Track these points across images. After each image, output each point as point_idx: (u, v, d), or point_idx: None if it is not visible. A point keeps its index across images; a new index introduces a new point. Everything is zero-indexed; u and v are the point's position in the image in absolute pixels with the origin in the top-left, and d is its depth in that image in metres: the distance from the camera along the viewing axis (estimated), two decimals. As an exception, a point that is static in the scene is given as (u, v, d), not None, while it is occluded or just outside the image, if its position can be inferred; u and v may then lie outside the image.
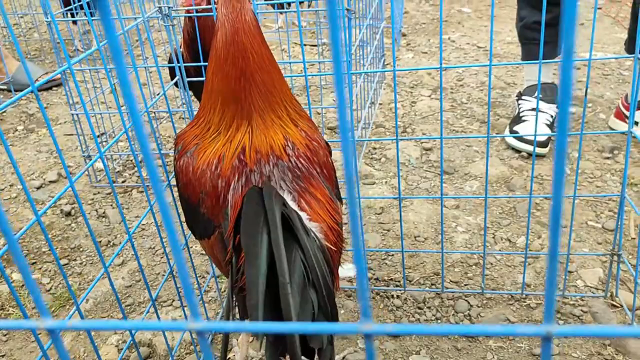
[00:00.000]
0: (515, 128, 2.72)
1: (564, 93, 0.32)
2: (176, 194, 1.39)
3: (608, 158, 2.57)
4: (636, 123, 2.59)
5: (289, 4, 4.15)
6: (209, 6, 1.95)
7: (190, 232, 1.36)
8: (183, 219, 1.37)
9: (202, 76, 1.90)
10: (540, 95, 2.75)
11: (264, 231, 0.98)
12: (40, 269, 2.09)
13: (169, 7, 1.47)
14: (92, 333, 1.52)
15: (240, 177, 1.19)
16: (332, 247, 1.15)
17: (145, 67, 2.48)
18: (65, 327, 0.45)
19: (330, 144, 1.38)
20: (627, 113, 2.72)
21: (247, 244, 0.98)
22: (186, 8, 2.08)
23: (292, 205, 1.13)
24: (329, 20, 0.33)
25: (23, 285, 2.00)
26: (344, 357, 1.60)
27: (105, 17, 0.34)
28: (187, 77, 1.89)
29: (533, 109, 2.75)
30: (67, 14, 3.42)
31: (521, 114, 2.78)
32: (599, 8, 4.82)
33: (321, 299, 0.99)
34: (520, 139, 2.62)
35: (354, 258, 0.38)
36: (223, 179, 1.20)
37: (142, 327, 0.44)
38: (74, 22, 3.90)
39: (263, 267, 0.94)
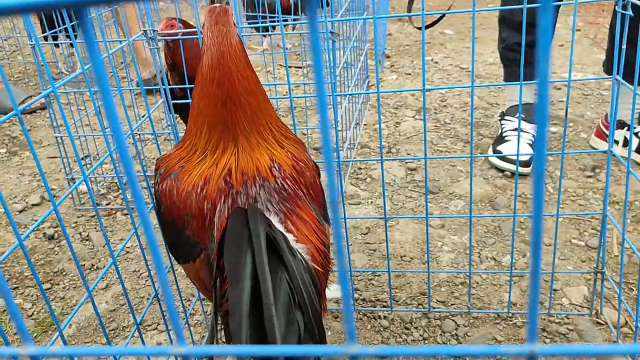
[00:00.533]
0: (499, 148, 2.76)
1: (540, 115, 0.33)
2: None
3: (590, 177, 2.61)
4: (616, 142, 2.63)
5: (273, 27, 4.19)
6: (191, 29, 1.96)
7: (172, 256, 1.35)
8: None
9: (187, 99, 1.91)
10: (523, 115, 2.79)
11: (248, 252, 0.97)
12: (22, 293, 2.05)
13: (153, 30, 1.48)
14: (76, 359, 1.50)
15: (226, 199, 1.19)
16: (319, 268, 1.15)
17: (130, 90, 2.48)
18: (47, 353, 0.44)
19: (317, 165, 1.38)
20: (608, 132, 2.76)
21: (231, 266, 0.97)
22: (165, 32, 2.10)
23: (279, 226, 1.13)
24: (311, 43, 0.33)
25: (5, 310, 1.96)
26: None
27: (89, 40, 0.34)
28: (172, 99, 1.89)
29: (515, 129, 2.78)
30: (50, 37, 3.42)
31: (504, 134, 2.81)
32: (578, 30, 4.93)
33: (307, 321, 0.99)
34: (504, 158, 2.65)
35: (339, 279, 0.38)
36: (209, 201, 1.20)
37: (125, 353, 0.43)
38: (57, 46, 3.90)
39: (247, 288, 0.94)
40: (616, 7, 1.43)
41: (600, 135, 2.86)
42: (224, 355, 0.39)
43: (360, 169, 2.80)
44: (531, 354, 0.36)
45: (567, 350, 0.36)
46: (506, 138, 2.78)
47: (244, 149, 1.21)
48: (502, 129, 2.86)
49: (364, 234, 2.28)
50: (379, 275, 2.03)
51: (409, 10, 1.86)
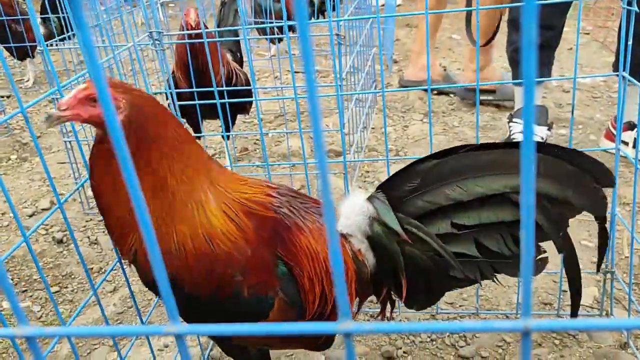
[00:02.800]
0: None
1: (526, 118, 0.33)
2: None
3: (599, 178, 2.58)
4: (626, 143, 2.61)
5: (280, 32, 4.21)
6: (204, 30, 1.97)
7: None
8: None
9: (202, 99, 1.92)
10: None
11: None
12: (31, 296, 2.06)
13: (159, 32, 1.49)
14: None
15: (269, 225, 1.17)
16: None
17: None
18: (44, 334, 0.44)
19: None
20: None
21: None
22: (181, 35, 2.10)
23: None
24: (302, 49, 0.33)
25: (12, 314, 1.97)
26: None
27: (88, 45, 0.34)
28: (185, 100, 1.90)
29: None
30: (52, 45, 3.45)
31: (512, 136, 2.80)
32: (587, 33, 4.91)
33: None
34: None
35: (332, 262, 0.38)
36: (260, 241, 1.15)
37: (122, 333, 0.43)
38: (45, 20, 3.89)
39: None
40: (622, 4, 1.42)
41: (610, 137, 2.83)
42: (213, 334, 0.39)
43: (367, 172, 2.79)
44: (525, 329, 0.35)
45: (560, 325, 0.36)
46: (515, 140, 2.77)
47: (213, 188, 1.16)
48: (510, 131, 2.85)
49: (372, 237, 2.27)
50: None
51: (468, 28, 1.85)
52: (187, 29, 2.13)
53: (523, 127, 0.35)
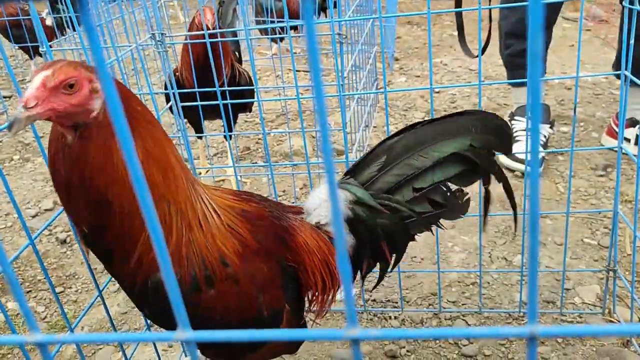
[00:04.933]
0: None
1: (534, 113, 0.33)
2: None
3: (602, 176, 2.58)
4: (627, 140, 2.61)
5: (282, 31, 4.21)
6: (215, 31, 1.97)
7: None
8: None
9: (207, 99, 1.92)
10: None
11: None
12: (35, 297, 2.07)
13: (161, 34, 1.49)
14: (87, 360, 1.51)
15: (272, 234, 1.20)
16: None
17: (139, 95, 2.50)
18: (56, 340, 0.45)
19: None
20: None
21: None
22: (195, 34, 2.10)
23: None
24: (308, 46, 0.34)
25: (18, 314, 1.98)
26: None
27: (95, 46, 0.35)
28: (193, 101, 1.90)
29: (525, 130, 2.77)
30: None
31: (514, 134, 2.80)
32: (588, 30, 4.90)
33: None
34: (514, 158, 2.64)
35: (339, 265, 0.38)
36: (276, 253, 1.19)
37: (131, 339, 0.44)
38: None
39: None
40: (623, 2, 1.42)
41: (612, 133, 2.83)
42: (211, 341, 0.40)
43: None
44: (531, 335, 0.36)
45: (566, 331, 0.36)
46: (516, 138, 2.77)
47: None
48: (512, 129, 2.85)
49: (374, 236, 2.28)
50: (389, 276, 2.02)
51: (462, 40, 1.85)
52: (205, 29, 2.12)
53: (529, 126, 0.35)
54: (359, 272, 1.40)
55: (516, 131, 2.80)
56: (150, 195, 0.37)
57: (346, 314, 0.37)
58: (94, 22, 0.32)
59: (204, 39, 1.66)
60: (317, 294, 1.29)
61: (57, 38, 4.27)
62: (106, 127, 0.93)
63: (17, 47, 4.67)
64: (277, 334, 0.38)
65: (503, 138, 1.29)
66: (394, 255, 1.39)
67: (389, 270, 1.42)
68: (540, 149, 2.67)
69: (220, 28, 2.72)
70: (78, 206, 0.99)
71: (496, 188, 2.51)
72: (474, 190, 2.58)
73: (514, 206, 1.41)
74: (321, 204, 1.30)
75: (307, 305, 1.32)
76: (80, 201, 0.98)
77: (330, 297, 1.32)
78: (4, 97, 4.08)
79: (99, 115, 0.93)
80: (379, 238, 1.33)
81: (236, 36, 2.69)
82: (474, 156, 1.28)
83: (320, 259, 1.26)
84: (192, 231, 1.05)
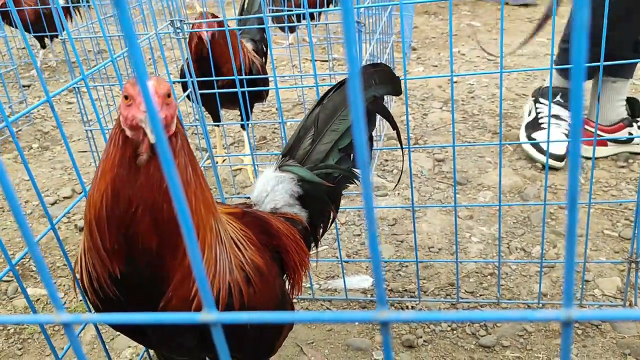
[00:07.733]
0: (534, 135, 2.63)
1: (575, 103, 0.32)
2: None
3: (623, 167, 2.54)
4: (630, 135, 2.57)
5: (299, 20, 4.19)
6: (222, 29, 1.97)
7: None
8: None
9: (210, 89, 1.92)
10: (561, 100, 2.66)
11: None
12: (54, 283, 2.09)
13: (180, 21, 1.49)
14: (107, 346, 1.52)
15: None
16: None
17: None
18: (81, 320, 0.45)
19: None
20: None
21: None
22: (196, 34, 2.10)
23: None
24: (345, 31, 0.33)
25: (38, 299, 2.00)
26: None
27: (127, 26, 0.34)
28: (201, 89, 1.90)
29: (553, 116, 2.61)
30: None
31: (540, 120, 2.71)
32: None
33: None
34: (539, 149, 2.54)
35: (370, 247, 0.38)
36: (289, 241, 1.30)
37: (152, 320, 0.44)
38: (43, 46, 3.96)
39: None
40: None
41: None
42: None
43: (386, 160, 2.78)
44: (568, 319, 0.35)
45: (604, 315, 0.35)
46: (542, 125, 2.67)
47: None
48: (537, 113, 2.74)
49: (391, 225, 2.27)
50: (407, 266, 2.01)
51: (537, 30, 1.83)
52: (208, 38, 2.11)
53: (571, 118, 0.34)
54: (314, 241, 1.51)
55: (542, 117, 2.70)
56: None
57: (376, 296, 0.37)
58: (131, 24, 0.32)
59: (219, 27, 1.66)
60: (294, 275, 1.37)
61: (71, 18, 4.34)
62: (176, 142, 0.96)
63: (32, 36, 4.71)
64: (308, 316, 0.38)
65: (395, 84, 1.46)
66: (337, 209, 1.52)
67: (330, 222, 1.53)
68: (564, 137, 2.62)
69: (242, 15, 2.71)
70: (141, 230, 0.93)
71: (512, 177, 2.48)
72: (494, 181, 2.55)
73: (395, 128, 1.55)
74: (272, 189, 1.37)
75: (288, 287, 1.38)
76: (145, 225, 0.92)
77: (303, 275, 1.40)
78: (24, 86, 4.12)
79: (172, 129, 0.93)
80: (327, 205, 1.45)
81: (262, 24, 2.67)
82: (373, 106, 1.43)
83: (292, 240, 1.33)
84: (223, 243, 1.07)
